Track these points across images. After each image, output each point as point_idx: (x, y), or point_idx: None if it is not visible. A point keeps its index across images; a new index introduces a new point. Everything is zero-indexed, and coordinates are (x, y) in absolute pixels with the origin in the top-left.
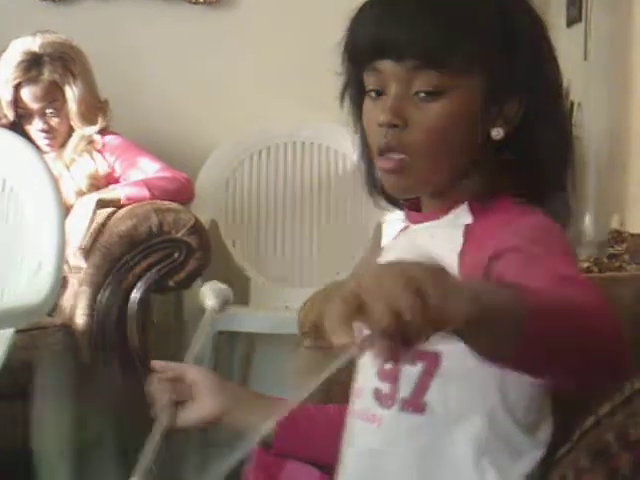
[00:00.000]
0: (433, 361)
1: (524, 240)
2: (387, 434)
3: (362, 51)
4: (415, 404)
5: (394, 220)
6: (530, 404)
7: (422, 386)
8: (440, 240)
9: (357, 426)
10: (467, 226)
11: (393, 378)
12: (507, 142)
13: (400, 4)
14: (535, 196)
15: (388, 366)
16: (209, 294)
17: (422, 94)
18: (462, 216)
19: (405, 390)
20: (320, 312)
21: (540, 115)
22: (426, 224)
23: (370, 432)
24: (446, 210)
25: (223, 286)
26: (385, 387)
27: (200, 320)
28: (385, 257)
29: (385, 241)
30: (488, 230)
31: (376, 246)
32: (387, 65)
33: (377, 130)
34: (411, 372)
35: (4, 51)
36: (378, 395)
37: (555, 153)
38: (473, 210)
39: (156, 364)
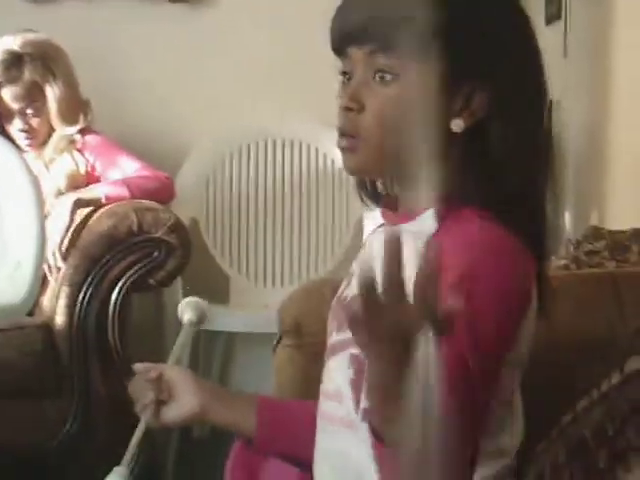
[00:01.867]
0: None
1: (454, 285)
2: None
3: (333, 39)
4: None
5: (373, 217)
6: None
7: None
8: (407, 248)
9: (337, 430)
10: (430, 237)
11: (357, 388)
12: (473, 137)
13: None
14: (501, 201)
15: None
16: (187, 309)
17: (377, 78)
18: (427, 223)
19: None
20: (300, 310)
21: (507, 110)
22: (399, 226)
23: (347, 436)
24: (415, 214)
25: (201, 301)
26: (353, 396)
27: (178, 332)
28: (363, 253)
29: (364, 237)
30: (447, 248)
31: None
32: (352, 51)
33: (340, 113)
34: None
35: None
36: (354, 402)
37: (521, 153)
38: (438, 218)
39: (137, 367)
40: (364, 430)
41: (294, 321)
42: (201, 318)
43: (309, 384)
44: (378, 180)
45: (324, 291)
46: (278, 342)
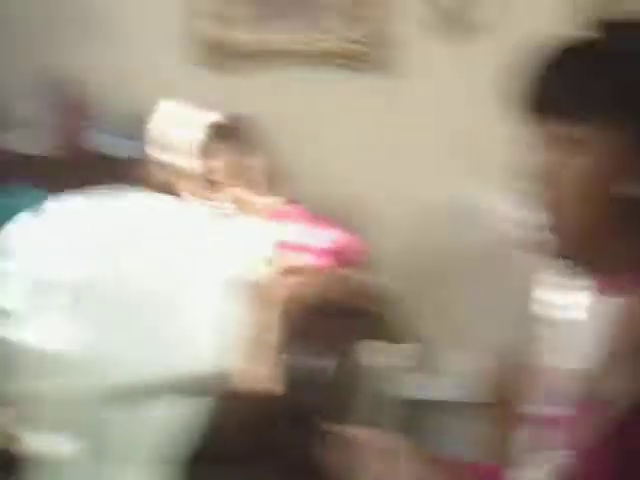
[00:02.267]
0: None
1: None
2: None
3: (528, 109)
4: None
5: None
6: None
7: None
8: None
9: None
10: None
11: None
12: None
13: (550, 65)
14: None
15: None
16: (373, 356)
17: (572, 149)
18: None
19: None
20: (503, 381)
21: None
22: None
23: None
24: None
25: (387, 347)
26: None
27: (367, 380)
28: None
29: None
30: None
31: None
32: (547, 121)
33: (536, 186)
34: None
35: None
36: None
37: None
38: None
39: (333, 428)
40: None
41: (496, 392)
42: (388, 366)
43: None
44: (578, 264)
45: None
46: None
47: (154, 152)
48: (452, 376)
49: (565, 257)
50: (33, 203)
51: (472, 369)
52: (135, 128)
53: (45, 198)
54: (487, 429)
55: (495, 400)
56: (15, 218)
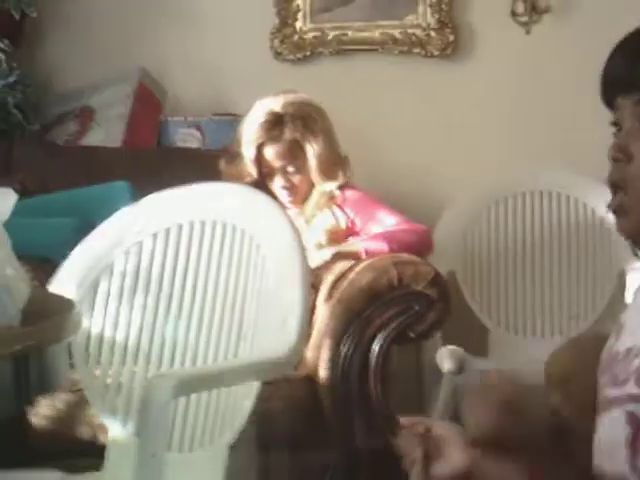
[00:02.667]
0: None
1: None
2: None
3: (602, 89)
4: None
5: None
6: None
7: None
8: None
9: None
10: None
11: (635, 448)
12: None
13: (628, 41)
14: None
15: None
16: (446, 358)
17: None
18: None
19: None
20: (568, 364)
21: None
22: None
23: None
24: None
25: (458, 349)
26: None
27: (440, 382)
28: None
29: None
30: None
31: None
32: (619, 100)
33: (610, 165)
34: None
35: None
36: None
37: None
38: None
39: (403, 420)
40: None
41: (562, 375)
42: (460, 366)
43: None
44: None
45: (591, 345)
46: (546, 397)
47: (237, 147)
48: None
49: (632, 237)
50: (124, 197)
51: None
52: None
53: (133, 192)
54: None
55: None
56: (111, 212)
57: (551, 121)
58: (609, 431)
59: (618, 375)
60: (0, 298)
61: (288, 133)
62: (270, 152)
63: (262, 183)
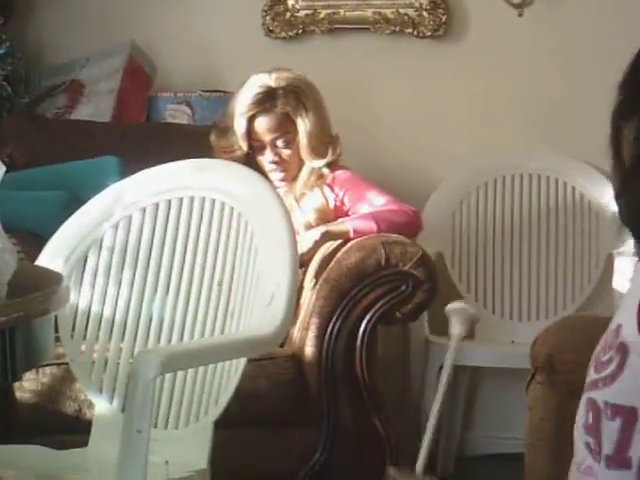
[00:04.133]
0: (630, 416)
1: None
2: None
3: None
4: (619, 461)
5: (625, 253)
6: None
7: (623, 442)
8: None
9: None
10: None
11: (596, 433)
12: None
13: None
14: None
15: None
16: (455, 319)
17: None
18: None
19: (608, 447)
20: (554, 346)
21: None
22: None
23: None
24: None
25: (470, 308)
26: (592, 442)
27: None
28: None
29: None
30: None
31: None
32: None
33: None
34: (611, 428)
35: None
36: (589, 448)
37: None
38: None
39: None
40: None
41: (548, 358)
42: (471, 330)
43: (564, 422)
44: None
45: (577, 327)
46: (531, 379)
47: (229, 121)
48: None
49: (629, 225)
50: (113, 172)
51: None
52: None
53: (122, 167)
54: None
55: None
56: (100, 186)
57: (541, 103)
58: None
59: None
60: None
61: (280, 106)
62: (261, 124)
63: (252, 158)
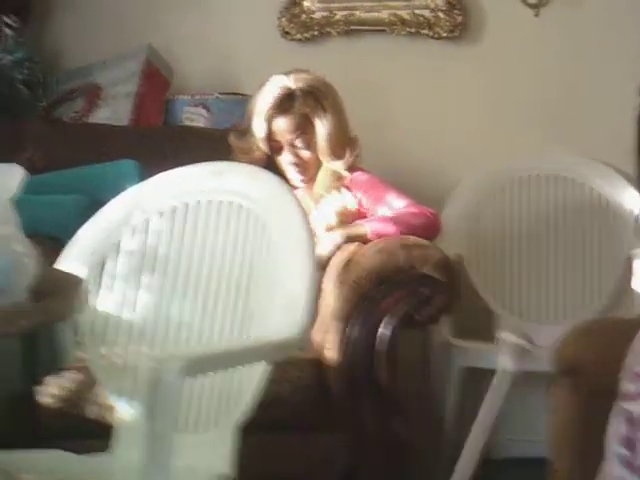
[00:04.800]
0: None
1: None
2: None
3: None
4: None
5: None
6: None
7: None
8: None
9: None
10: None
11: (630, 445)
12: None
13: None
14: None
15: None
16: (505, 352)
17: None
18: None
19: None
20: (577, 350)
21: None
22: None
23: None
24: None
25: (521, 341)
26: (626, 454)
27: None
28: None
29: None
30: None
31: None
32: None
33: None
34: None
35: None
36: (623, 460)
37: None
38: None
39: None
40: None
41: (571, 361)
42: (520, 362)
43: (587, 425)
44: None
45: (600, 330)
46: (554, 382)
47: (247, 122)
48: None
49: None
50: (131, 175)
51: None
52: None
53: (140, 170)
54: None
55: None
56: (119, 190)
57: (559, 104)
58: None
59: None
60: (8, 275)
61: (299, 107)
62: (280, 124)
63: (271, 160)
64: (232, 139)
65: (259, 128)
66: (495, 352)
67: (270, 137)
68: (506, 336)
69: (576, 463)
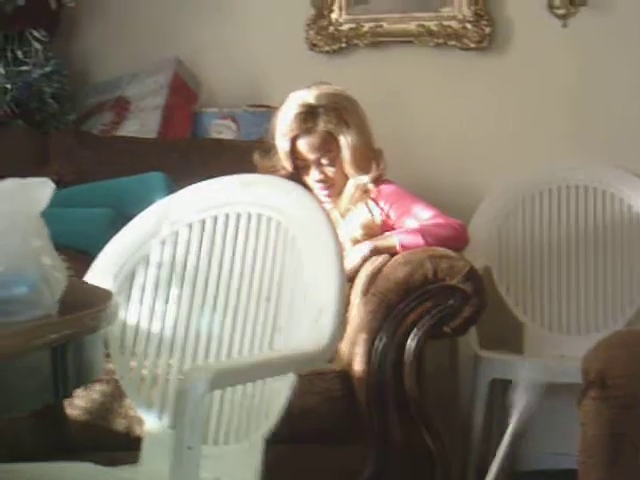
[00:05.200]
0: None
1: None
2: None
3: None
4: None
5: None
6: None
7: None
8: None
9: None
10: None
11: None
12: None
13: None
14: None
15: None
16: (520, 392)
17: None
18: None
19: None
20: (606, 361)
21: None
22: None
23: None
24: None
25: (538, 378)
26: None
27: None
28: None
29: None
30: None
31: None
32: None
33: None
34: None
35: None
36: None
37: None
38: None
39: None
40: None
41: (600, 372)
42: (533, 403)
43: (617, 437)
44: None
45: (629, 341)
46: (584, 394)
47: (271, 140)
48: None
49: None
50: (160, 188)
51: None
52: (241, 111)
53: (168, 183)
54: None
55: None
56: (147, 203)
57: (587, 114)
58: None
59: None
60: (37, 288)
61: (322, 125)
62: (304, 144)
63: (297, 176)
64: (257, 157)
65: (283, 148)
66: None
67: (294, 156)
68: (524, 372)
69: (606, 475)
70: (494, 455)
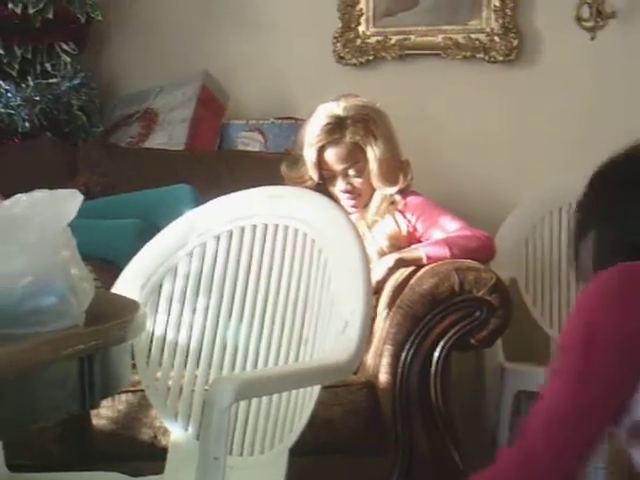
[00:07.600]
0: None
1: None
2: None
3: None
4: None
5: None
6: None
7: None
8: None
9: None
10: None
11: None
12: None
13: None
14: None
15: None
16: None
17: None
18: None
19: None
20: None
21: None
22: None
23: None
24: None
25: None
26: None
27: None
28: None
29: None
30: None
31: None
32: None
33: None
34: None
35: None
36: None
37: None
38: None
39: None
40: None
41: None
42: None
43: None
44: None
45: None
46: None
47: (298, 151)
48: None
49: None
50: (187, 200)
51: None
52: (269, 123)
53: (196, 194)
54: None
55: None
56: (175, 214)
57: (615, 127)
58: None
59: None
60: (66, 298)
61: (349, 136)
62: (331, 155)
63: (324, 187)
64: (284, 168)
65: (310, 158)
66: None
67: (322, 166)
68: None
69: None
70: None
